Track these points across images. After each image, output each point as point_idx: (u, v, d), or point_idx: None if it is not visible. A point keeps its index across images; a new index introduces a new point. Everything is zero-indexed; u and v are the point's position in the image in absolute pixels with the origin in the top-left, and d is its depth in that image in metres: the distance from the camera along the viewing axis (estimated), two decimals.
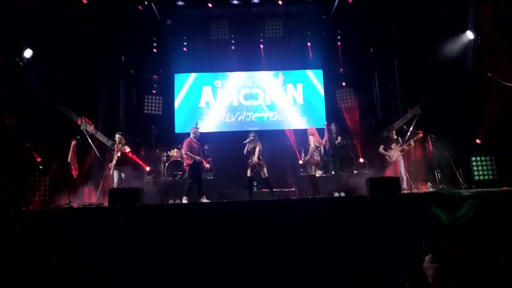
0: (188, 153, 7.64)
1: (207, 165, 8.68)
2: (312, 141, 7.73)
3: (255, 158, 7.71)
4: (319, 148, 7.79)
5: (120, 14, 9.87)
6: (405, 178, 8.14)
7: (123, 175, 7.84)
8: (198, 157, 7.68)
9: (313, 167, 7.72)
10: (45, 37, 8.62)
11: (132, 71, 11.22)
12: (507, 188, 6.51)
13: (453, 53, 8.77)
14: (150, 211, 6.15)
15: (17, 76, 8.24)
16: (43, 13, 8.20)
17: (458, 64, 8.86)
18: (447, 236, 5.76)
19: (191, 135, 7.91)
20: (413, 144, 8.28)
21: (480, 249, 5.54)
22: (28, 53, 8.61)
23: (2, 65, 7.82)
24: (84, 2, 8.87)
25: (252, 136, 7.87)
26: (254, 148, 7.77)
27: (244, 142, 7.95)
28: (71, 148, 7.65)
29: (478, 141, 8.68)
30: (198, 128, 8.20)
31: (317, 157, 7.69)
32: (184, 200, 7.41)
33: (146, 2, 9.86)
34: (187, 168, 7.75)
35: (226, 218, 6.02)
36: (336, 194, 8.21)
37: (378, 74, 11.10)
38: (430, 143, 8.05)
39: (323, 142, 8.08)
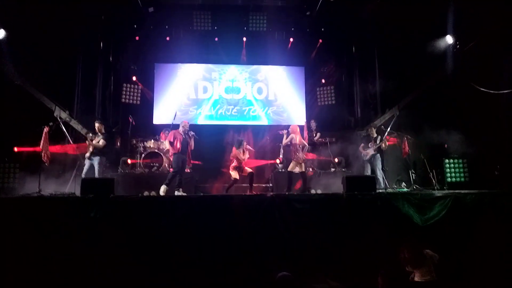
0: (167, 142, 7.56)
1: (190, 164, 8.58)
2: (294, 139, 7.74)
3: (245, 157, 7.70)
4: (300, 146, 7.81)
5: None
6: (380, 178, 8.28)
7: (96, 165, 7.63)
8: (175, 149, 7.56)
9: (293, 163, 7.74)
10: (20, 18, 8.27)
11: (111, 58, 10.89)
12: (477, 190, 6.70)
13: (433, 56, 8.95)
14: (123, 202, 6.02)
15: None
16: None
17: (437, 67, 9.06)
18: (420, 235, 5.90)
19: (180, 128, 7.76)
20: (384, 145, 8.42)
21: (450, 249, 5.70)
22: (1, 33, 8.26)
23: None
24: None
25: (239, 144, 7.80)
26: (241, 158, 7.71)
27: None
28: (44, 134, 7.38)
29: (445, 145, 8.93)
30: (187, 121, 8.04)
31: (300, 154, 7.71)
32: (179, 192, 7.31)
33: None
34: (172, 157, 7.62)
35: (201, 211, 5.97)
36: (313, 191, 8.26)
37: (359, 73, 11.20)
38: (407, 144, 8.20)
39: (303, 140, 8.11)
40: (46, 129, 7.43)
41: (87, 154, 7.73)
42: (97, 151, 7.72)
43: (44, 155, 7.36)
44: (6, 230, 5.55)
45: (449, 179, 8.45)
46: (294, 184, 8.02)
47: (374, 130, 8.77)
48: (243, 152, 7.76)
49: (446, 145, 8.71)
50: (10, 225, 5.58)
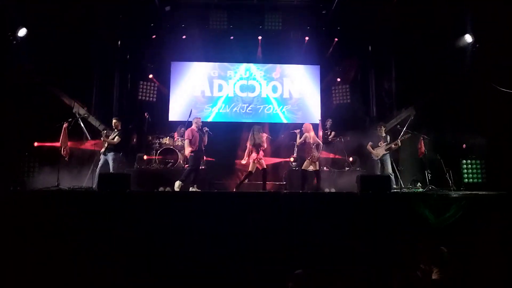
0: (187, 141, 7.65)
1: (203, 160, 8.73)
2: (308, 137, 7.72)
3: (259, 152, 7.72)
4: (314, 145, 7.79)
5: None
6: (392, 177, 8.18)
7: (110, 161, 7.76)
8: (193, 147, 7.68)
9: (307, 162, 7.73)
10: (41, 17, 8.49)
11: (128, 57, 11.07)
12: (495, 192, 6.59)
13: (451, 55, 8.81)
14: (139, 197, 6.13)
15: (9, 55, 8.12)
16: None
17: (455, 66, 8.90)
18: (435, 236, 5.83)
19: (194, 125, 7.86)
20: (399, 143, 8.32)
21: (465, 250, 5.62)
22: (22, 32, 8.48)
23: None
24: None
25: (258, 129, 7.82)
26: (260, 141, 7.71)
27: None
28: (63, 130, 7.58)
29: (464, 146, 8.77)
30: (199, 118, 8.17)
31: (314, 153, 7.69)
32: (193, 189, 7.42)
33: None
34: (189, 155, 7.72)
35: (216, 207, 6.03)
36: (327, 190, 8.24)
37: (375, 72, 11.10)
38: (423, 144, 8.10)
39: (318, 138, 8.09)
40: (65, 125, 7.63)
41: (102, 150, 7.86)
42: (112, 147, 7.82)
43: (63, 150, 7.56)
44: (24, 223, 5.70)
45: (466, 180, 8.34)
46: (308, 182, 8.01)
47: (383, 129, 8.66)
48: (256, 138, 7.73)
49: (464, 146, 8.56)
50: (29, 218, 5.73)
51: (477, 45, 8.62)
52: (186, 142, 7.69)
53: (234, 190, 7.62)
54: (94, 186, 7.31)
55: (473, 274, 5.40)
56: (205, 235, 5.82)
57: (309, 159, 7.69)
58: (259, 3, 10.96)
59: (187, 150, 7.67)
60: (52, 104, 8.78)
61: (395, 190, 7.23)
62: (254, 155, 7.60)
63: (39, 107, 8.48)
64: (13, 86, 8.12)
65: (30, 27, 8.47)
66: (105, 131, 8.30)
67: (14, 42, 8.16)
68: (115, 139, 7.85)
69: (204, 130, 7.88)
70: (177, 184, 7.40)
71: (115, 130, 8.03)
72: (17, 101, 8.17)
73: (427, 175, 7.96)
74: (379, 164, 8.42)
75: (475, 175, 8.45)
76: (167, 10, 10.73)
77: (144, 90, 11.12)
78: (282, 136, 10.83)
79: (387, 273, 4.80)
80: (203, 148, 8.00)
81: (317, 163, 7.77)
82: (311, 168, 7.75)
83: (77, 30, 8.87)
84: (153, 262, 5.63)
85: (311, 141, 7.74)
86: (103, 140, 7.86)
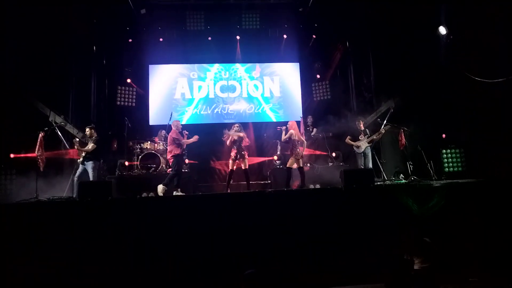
0: (184, 141, 7.61)
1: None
2: (293, 135, 7.73)
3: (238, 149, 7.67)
4: (299, 142, 7.80)
5: (92, 1, 9.49)
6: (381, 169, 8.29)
7: (89, 169, 7.57)
8: (188, 141, 7.65)
9: (291, 160, 7.73)
10: (13, 22, 8.23)
11: (104, 62, 10.85)
12: (475, 179, 6.73)
13: (427, 47, 8.96)
14: (121, 204, 6.01)
15: None
16: None
17: (431, 58, 9.06)
18: (419, 226, 5.91)
19: (173, 128, 7.75)
20: (382, 132, 8.42)
21: (448, 238, 5.72)
22: None
23: None
24: None
25: (237, 127, 7.78)
26: (240, 140, 7.67)
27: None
28: (39, 140, 7.36)
29: (443, 135, 8.95)
30: (179, 121, 8.08)
31: (299, 150, 7.70)
32: (177, 193, 7.32)
33: None
34: (171, 160, 7.60)
35: (201, 210, 5.96)
36: (312, 186, 8.27)
37: (353, 67, 11.20)
38: (403, 136, 8.21)
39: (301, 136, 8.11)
40: (41, 135, 7.41)
41: (80, 159, 7.64)
42: (89, 155, 7.59)
43: (39, 161, 7.33)
44: (5, 236, 5.51)
45: (446, 169, 8.51)
46: (293, 180, 8.01)
47: (362, 123, 8.77)
48: (234, 135, 7.71)
49: (444, 135, 8.73)
50: (9, 231, 5.55)
51: (451, 37, 8.79)
52: (182, 143, 7.61)
53: (229, 191, 7.56)
54: (74, 196, 7.13)
55: (455, 263, 5.51)
56: (192, 238, 5.75)
57: (293, 157, 7.70)
58: (236, 2, 10.93)
59: (174, 152, 7.54)
60: (27, 113, 8.52)
61: (378, 183, 7.29)
62: (232, 153, 7.60)
63: (13, 116, 8.21)
64: None
65: (2, 32, 8.21)
66: (78, 140, 8.08)
67: None
68: (90, 147, 7.60)
69: (184, 134, 7.79)
70: (160, 188, 7.28)
71: (90, 138, 7.82)
72: None
73: (409, 166, 8.07)
74: (362, 157, 8.51)
75: (455, 164, 8.62)
76: (143, 13, 10.56)
77: (123, 95, 10.94)
78: (265, 135, 10.84)
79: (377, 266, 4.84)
80: (185, 152, 7.91)
81: (301, 160, 7.78)
82: (294, 165, 7.75)
83: (51, 35, 8.61)
84: (140, 268, 5.53)
85: (296, 138, 7.75)
86: (77, 148, 7.64)
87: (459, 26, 8.47)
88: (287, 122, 8.13)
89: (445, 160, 8.60)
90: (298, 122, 9.05)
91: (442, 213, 6.02)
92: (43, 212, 5.75)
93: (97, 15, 9.95)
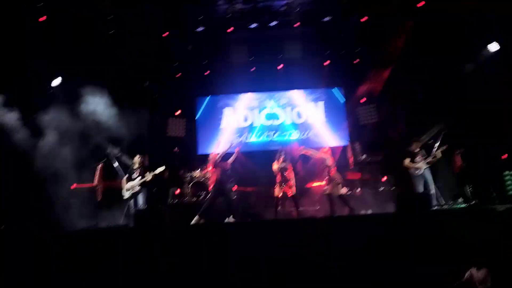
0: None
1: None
2: (330, 160, 7.71)
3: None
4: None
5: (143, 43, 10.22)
6: (434, 193, 7.85)
7: (141, 197, 7.85)
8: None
9: (339, 186, 7.62)
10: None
11: (156, 95, 11.49)
12: None
13: (479, 65, 8.63)
14: (174, 231, 6.15)
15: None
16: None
17: (484, 76, 8.67)
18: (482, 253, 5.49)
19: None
20: (438, 155, 7.97)
21: None
22: (57, 81, 9.03)
23: None
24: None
25: (284, 153, 7.87)
26: (286, 166, 7.75)
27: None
28: (98, 171, 7.83)
29: (504, 156, 8.36)
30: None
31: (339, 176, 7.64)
32: (229, 219, 7.40)
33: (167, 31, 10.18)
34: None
35: (255, 237, 5.95)
36: (363, 212, 8.01)
37: (400, 88, 10.93)
38: (460, 158, 7.80)
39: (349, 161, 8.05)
40: (100, 166, 7.89)
41: (133, 190, 7.94)
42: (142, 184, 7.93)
43: (98, 191, 7.78)
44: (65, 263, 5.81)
45: (510, 193, 7.91)
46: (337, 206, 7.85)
47: (418, 145, 8.39)
48: (279, 161, 7.74)
49: (505, 156, 8.18)
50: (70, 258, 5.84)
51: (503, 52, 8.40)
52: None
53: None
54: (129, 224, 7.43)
55: None
56: (241, 265, 5.72)
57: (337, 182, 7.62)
58: (277, 33, 11.22)
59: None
60: (87, 146, 9.12)
61: (436, 208, 6.92)
62: (278, 178, 7.60)
63: (75, 149, 8.81)
64: None
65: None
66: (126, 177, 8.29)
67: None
68: (150, 177, 7.94)
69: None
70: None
71: (140, 167, 8.08)
72: None
73: (468, 189, 7.60)
74: (422, 180, 8.06)
75: None
76: (190, 49, 11.16)
77: (173, 126, 11.44)
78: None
79: None
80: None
81: (340, 186, 7.68)
82: (343, 191, 7.62)
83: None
84: None
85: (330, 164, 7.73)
86: (149, 176, 7.92)
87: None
88: (332, 147, 8.09)
89: (509, 182, 8.01)
90: (344, 147, 8.95)
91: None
92: (102, 239, 6.03)
93: (146, 52, 10.63)
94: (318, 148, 8.89)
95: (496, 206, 6.50)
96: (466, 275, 3.71)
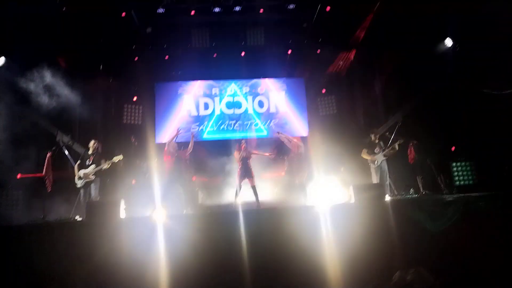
0: None
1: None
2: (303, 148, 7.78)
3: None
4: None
5: (98, 21, 9.60)
6: (389, 184, 8.13)
7: (94, 188, 7.49)
8: None
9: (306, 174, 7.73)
10: (19, 41, 8.35)
11: (111, 80, 10.92)
12: (487, 192, 6.59)
13: (433, 60, 8.95)
14: (129, 222, 5.93)
15: None
16: (19, 17, 7.96)
17: (438, 70, 9.02)
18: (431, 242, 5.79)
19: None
20: (396, 148, 8.20)
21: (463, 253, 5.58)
22: (0, 60, 8.32)
23: None
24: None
25: (244, 143, 7.82)
26: (247, 156, 7.69)
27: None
28: (47, 160, 7.34)
29: (452, 148, 8.81)
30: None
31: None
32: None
33: (125, 11, 9.62)
34: None
35: (210, 227, 5.87)
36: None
37: (359, 81, 11.17)
38: (412, 150, 8.10)
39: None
40: (49, 155, 7.40)
41: (86, 180, 7.58)
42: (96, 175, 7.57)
43: (47, 181, 7.30)
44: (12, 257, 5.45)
45: (457, 183, 8.34)
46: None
47: (377, 136, 8.62)
48: (240, 151, 7.75)
49: (453, 148, 8.60)
50: (16, 252, 5.48)
51: (458, 48, 8.77)
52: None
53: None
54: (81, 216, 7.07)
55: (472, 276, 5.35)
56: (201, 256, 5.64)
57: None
58: (241, 19, 10.99)
59: None
60: (34, 133, 8.54)
61: (389, 198, 7.17)
62: (238, 169, 7.62)
63: (21, 136, 8.22)
64: None
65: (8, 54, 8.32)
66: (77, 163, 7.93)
67: None
68: (106, 166, 7.57)
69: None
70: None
71: (94, 152, 7.68)
72: None
73: (419, 180, 7.94)
74: (379, 171, 8.29)
75: (465, 177, 8.47)
76: (149, 32, 10.66)
77: (129, 113, 10.97)
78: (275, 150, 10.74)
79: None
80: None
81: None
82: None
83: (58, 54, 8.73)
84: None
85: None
86: (105, 165, 7.56)
87: (465, 38, 8.46)
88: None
89: (456, 173, 8.45)
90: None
91: (457, 228, 5.89)
92: (49, 233, 5.69)
93: (104, 34, 10.05)
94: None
95: (444, 196, 6.86)
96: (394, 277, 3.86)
